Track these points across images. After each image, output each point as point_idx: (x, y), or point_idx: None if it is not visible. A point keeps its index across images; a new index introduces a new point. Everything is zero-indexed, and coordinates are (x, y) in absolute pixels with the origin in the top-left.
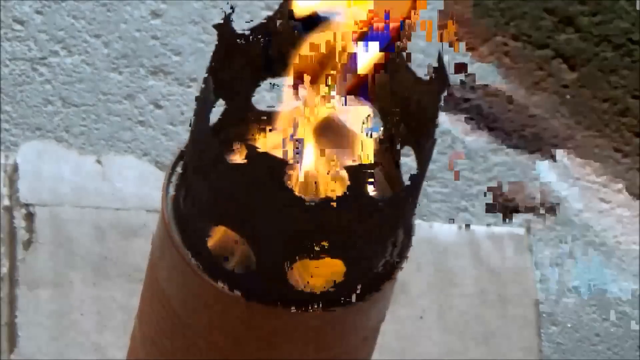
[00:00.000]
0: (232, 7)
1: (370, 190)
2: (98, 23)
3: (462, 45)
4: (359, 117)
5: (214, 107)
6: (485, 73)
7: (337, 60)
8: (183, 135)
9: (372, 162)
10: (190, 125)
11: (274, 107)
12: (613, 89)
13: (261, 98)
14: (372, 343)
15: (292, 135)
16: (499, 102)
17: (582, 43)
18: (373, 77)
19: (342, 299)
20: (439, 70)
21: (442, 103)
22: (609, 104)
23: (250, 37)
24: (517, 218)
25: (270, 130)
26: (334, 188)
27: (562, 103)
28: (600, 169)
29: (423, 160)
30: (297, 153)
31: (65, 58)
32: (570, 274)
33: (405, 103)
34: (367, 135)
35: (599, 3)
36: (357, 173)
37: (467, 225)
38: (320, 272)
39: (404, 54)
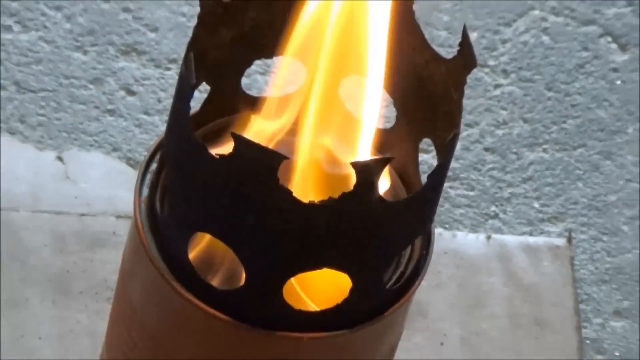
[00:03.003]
0: None
1: (382, 190)
2: None
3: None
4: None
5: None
6: (521, 54)
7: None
8: (160, 126)
9: (384, 156)
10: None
11: (266, 91)
12: None
13: (253, 82)
14: None
15: (288, 124)
16: (536, 88)
17: (635, 19)
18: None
19: (348, 320)
20: (464, 47)
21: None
22: None
23: (240, 7)
24: (557, 226)
25: (262, 119)
26: (339, 187)
27: (611, 90)
28: None
29: (445, 155)
30: (294, 145)
31: (20, 34)
32: (618, 293)
33: (424, 86)
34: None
35: None
36: (366, 169)
37: (497, 235)
38: (322, 289)
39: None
